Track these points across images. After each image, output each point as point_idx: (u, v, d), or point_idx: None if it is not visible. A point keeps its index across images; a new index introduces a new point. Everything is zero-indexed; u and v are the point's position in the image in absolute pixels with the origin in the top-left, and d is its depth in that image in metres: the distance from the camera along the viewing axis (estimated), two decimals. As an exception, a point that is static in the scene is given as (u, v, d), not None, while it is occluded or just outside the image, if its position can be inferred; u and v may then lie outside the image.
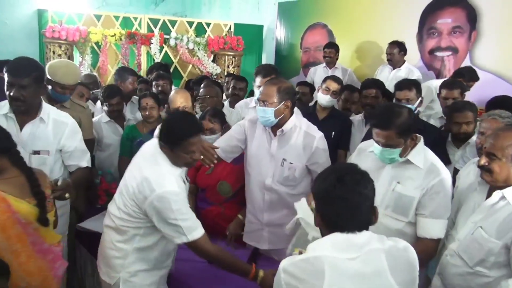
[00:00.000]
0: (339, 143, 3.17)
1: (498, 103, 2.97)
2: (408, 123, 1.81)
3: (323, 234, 1.34)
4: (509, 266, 1.63)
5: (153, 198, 1.76)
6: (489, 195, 1.72)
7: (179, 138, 1.80)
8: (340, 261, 1.23)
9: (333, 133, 3.09)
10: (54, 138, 2.27)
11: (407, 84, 2.76)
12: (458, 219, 1.85)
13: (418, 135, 1.92)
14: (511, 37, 3.88)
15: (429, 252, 1.84)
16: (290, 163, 2.28)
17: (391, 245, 1.29)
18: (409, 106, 2.37)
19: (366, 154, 2.03)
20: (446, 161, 2.39)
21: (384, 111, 1.84)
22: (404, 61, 4.32)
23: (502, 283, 1.58)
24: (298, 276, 1.24)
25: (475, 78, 3.68)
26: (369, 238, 1.28)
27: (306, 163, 2.30)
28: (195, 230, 1.79)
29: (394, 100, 2.80)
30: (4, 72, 2.07)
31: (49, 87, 2.60)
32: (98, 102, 3.56)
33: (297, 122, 2.31)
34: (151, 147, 1.93)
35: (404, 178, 1.88)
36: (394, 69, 4.32)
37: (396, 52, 4.25)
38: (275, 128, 2.28)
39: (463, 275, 1.68)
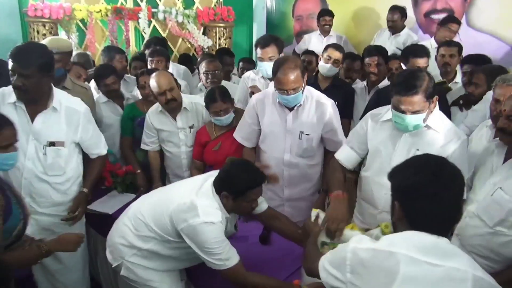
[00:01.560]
0: (342, 112, 3.13)
1: (474, 60, 2.90)
2: (431, 85, 1.78)
3: (399, 231, 1.21)
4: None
5: (194, 223, 1.73)
6: (507, 157, 1.73)
7: (245, 188, 1.77)
8: (418, 264, 1.09)
9: (336, 102, 3.05)
10: (68, 128, 2.17)
11: (424, 51, 2.77)
12: (475, 182, 1.86)
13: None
14: (507, -3, 3.84)
15: None
16: (307, 134, 2.28)
17: (485, 277, 1.11)
18: None
19: (380, 123, 1.99)
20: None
21: (408, 77, 1.77)
22: (404, 26, 4.24)
23: None
24: (367, 265, 1.13)
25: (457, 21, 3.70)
26: (456, 253, 1.12)
27: (321, 132, 2.30)
28: (230, 258, 1.77)
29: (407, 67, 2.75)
30: (8, 58, 1.94)
31: None
32: (92, 82, 3.46)
33: (308, 93, 2.29)
34: (207, 185, 1.86)
35: (423, 144, 1.85)
36: (393, 34, 4.24)
37: (398, 18, 4.16)
38: None
39: (483, 235, 1.71)
